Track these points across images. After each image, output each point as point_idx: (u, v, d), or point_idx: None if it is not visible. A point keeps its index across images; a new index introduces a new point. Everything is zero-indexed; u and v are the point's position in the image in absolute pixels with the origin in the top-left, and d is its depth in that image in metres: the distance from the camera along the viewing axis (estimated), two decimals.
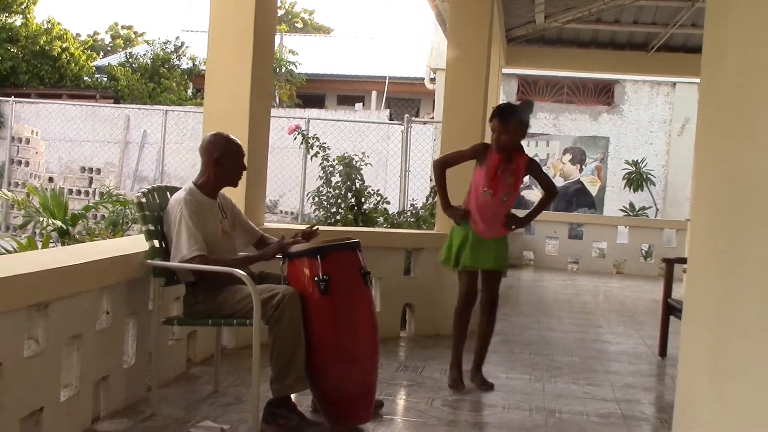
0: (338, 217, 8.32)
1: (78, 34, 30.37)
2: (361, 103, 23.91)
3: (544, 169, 5.11)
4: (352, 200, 8.38)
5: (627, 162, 16.61)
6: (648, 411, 4.76)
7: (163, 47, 23.89)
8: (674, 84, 17.25)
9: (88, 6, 71.66)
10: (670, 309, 6.13)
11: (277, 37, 20.06)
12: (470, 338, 5.11)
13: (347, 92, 25.42)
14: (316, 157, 8.72)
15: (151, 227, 3.98)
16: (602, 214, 16.94)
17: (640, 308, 8.96)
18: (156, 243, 3.99)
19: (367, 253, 4.11)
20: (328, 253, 3.87)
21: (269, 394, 3.79)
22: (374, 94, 24.13)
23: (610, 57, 13.11)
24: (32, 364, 3.17)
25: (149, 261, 3.96)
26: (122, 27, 42.39)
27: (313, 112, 18.62)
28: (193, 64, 23.63)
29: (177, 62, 23.87)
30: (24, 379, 3.11)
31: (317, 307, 3.79)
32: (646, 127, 17.58)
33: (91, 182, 14.88)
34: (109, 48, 38.90)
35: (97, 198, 12.95)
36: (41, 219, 7.91)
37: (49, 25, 23.96)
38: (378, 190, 8.82)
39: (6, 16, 24.25)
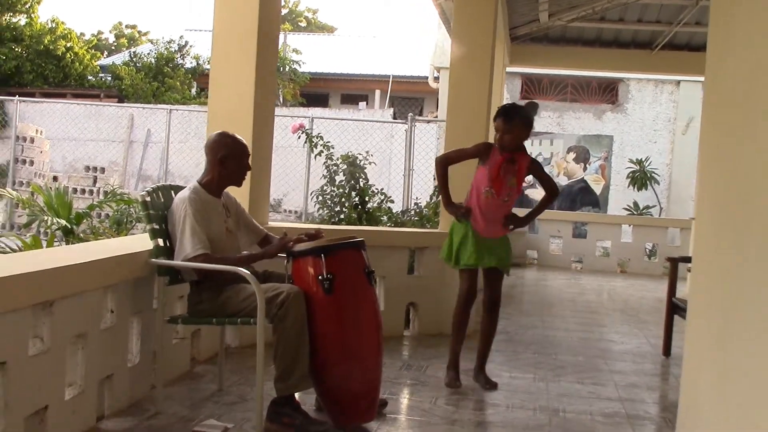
0: (342, 216, 8.33)
1: (82, 34, 30.42)
2: (364, 102, 23.92)
3: (547, 168, 5.12)
4: (356, 199, 8.39)
5: (631, 161, 16.59)
6: (652, 410, 4.76)
7: (167, 46, 23.94)
8: (678, 82, 17.22)
9: (92, 5, 71.78)
10: (675, 308, 6.12)
11: (281, 36, 20.07)
12: (473, 338, 5.12)
13: (351, 91, 25.43)
14: (320, 156, 8.72)
15: (156, 226, 3.98)
16: (606, 213, 16.92)
17: (644, 307, 8.95)
18: (160, 242, 4.00)
19: (371, 252, 4.11)
20: (333, 252, 3.87)
21: (273, 393, 3.79)
22: (378, 92, 24.14)
23: (614, 55, 13.09)
24: (37, 363, 3.18)
25: (154, 260, 3.97)
26: (126, 26, 42.45)
27: (316, 111, 18.63)
28: (197, 63, 23.67)
29: (181, 61, 23.92)
30: (29, 377, 3.12)
31: (321, 305, 3.79)
32: (650, 125, 17.56)
33: (95, 181, 14.90)
34: (113, 47, 38.95)
35: (101, 197, 12.98)
36: (46, 218, 7.92)
37: (54, 25, 24.00)
38: (382, 189, 8.83)
39: (10, 16, 24.29)
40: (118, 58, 26.30)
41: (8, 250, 6.29)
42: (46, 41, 23.20)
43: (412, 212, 9.24)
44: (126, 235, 7.69)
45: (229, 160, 4.11)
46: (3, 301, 2.91)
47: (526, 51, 12.95)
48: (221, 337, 4.57)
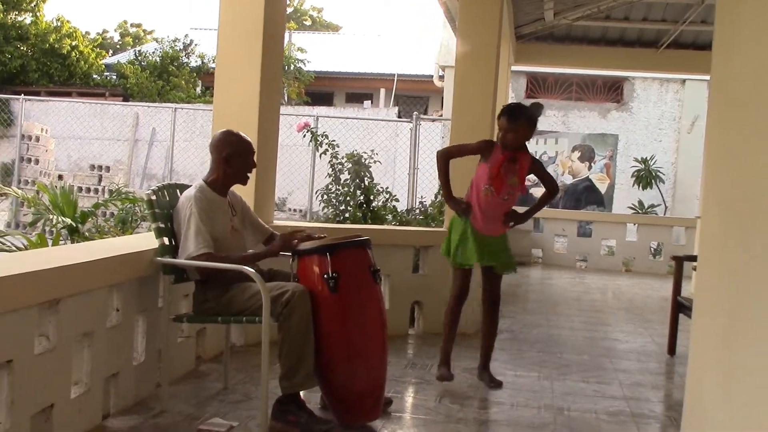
0: (347, 215, 8.33)
1: (87, 32, 30.43)
2: (369, 101, 23.94)
3: (552, 167, 5.13)
4: (361, 198, 8.39)
5: (636, 159, 16.56)
6: (657, 409, 4.75)
7: (172, 45, 23.95)
8: (684, 81, 17.19)
9: (98, 4, 71.85)
10: (680, 307, 6.11)
11: (286, 35, 20.08)
12: (476, 337, 5.12)
13: (356, 90, 25.43)
14: (325, 154, 8.73)
15: (161, 225, 3.99)
16: (611, 211, 16.90)
17: (649, 306, 8.94)
18: (166, 240, 4.00)
19: (376, 251, 4.11)
20: (338, 251, 3.88)
21: (278, 392, 3.80)
22: (383, 91, 24.14)
23: (620, 54, 13.07)
24: (43, 361, 3.19)
25: (159, 258, 3.98)
26: (131, 25, 42.47)
27: (321, 110, 18.64)
28: (202, 62, 23.68)
29: (186, 60, 23.93)
30: (35, 375, 3.13)
31: (327, 304, 3.79)
32: (655, 124, 17.53)
33: (100, 180, 14.94)
34: (118, 46, 39.01)
35: (106, 195, 12.99)
36: (51, 217, 7.93)
37: (59, 24, 24.03)
38: (387, 188, 8.83)
39: (16, 14, 24.34)
40: (123, 57, 26.33)
41: (14, 248, 6.30)
42: (51, 40, 23.23)
43: (417, 211, 9.25)
44: (131, 233, 7.70)
45: (234, 158, 4.11)
46: (9, 300, 2.92)
47: (531, 50, 12.94)
48: (226, 336, 4.57)
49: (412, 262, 6.43)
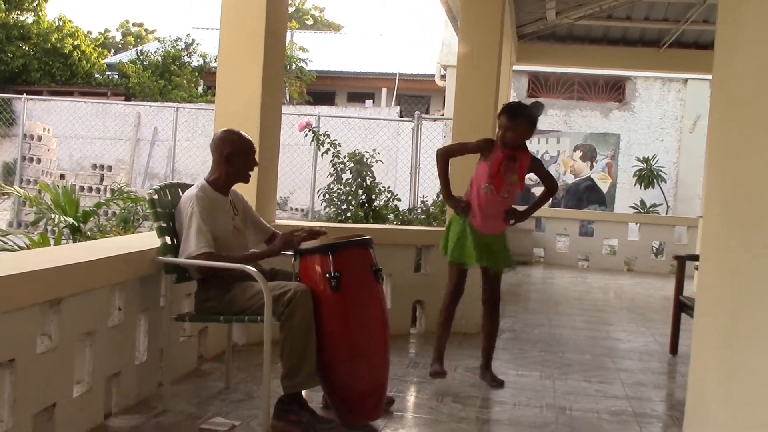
0: (349, 214, 8.33)
1: (89, 32, 30.48)
2: (371, 100, 23.94)
3: (554, 166, 5.14)
4: (363, 197, 8.39)
5: (638, 159, 16.56)
6: (659, 409, 4.75)
7: (174, 44, 23.98)
8: (686, 80, 17.18)
9: (99, 3, 71.87)
10: (682, 306, 6.11)
11: (288, 35, 20.09)
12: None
13: (357, 89, 25.43)
14: (327, 154, 8.73)
15: (163, 224, 3.99)
16: (613, 211, 16.89)
17: (651, 305, 8.94)
18: (168, 240, 4.00)
19: (378, 250, 4.11)
20: (340, 250, 3.88)
21: (280, 391, 3.80)
22: (384, 91, 24.14)
23: (622, 53, 13.07)
24: (45, 360, 3.20)
25: (161, 258, 3.98)
26: (133, 24, 42.50)
27: (323, 109, 18.64)
28: (204, 62, 23.70)
29: (188, 59, 23.95)
30: (37, 375, 3.13)
31: (328, 303, 3.79)
32: (657, 123, 17.52)
33: (102, 179, 14.94)
34: (120, 45, 39.03)
35: (108, 195, 12.99)
36: (53, 216, 7.93)
37: (61, 23, 24.07)
38: (388, 187, 8.83)
39: (18, 14, 24.36)
40: (125, 56, 26.35)
41: (16, 248, 6.30)
42: (53, 39, 23.26)
43: (419, 210, 9.25)
44: (133, 233, 7.71)
45: (234, 157, 4.11)
46: (11, 299, 2.93)
47: (533, 49, 12.94)
48: (228, 335, 4.57)
49: (413, 262, 6.43)
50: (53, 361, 3.25)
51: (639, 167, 16.37)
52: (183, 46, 24.05)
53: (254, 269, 3.77)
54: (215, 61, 19.54)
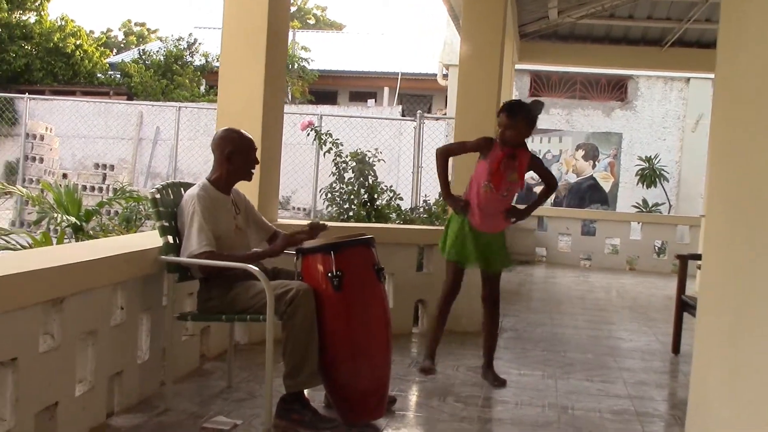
0: (351, 213, 8.33)
1: (91, 31, 30.51)
2: (373, 100, 23.94)
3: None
4: (365, 196, 8.39)
5: (640, 158, 16.54)
6: (661, 408, 4.75)
7: (176, 44, 23.99)
8: (688, 79, 17.16)
9: (102, 3, 71.93)
10: (684, 305, 6.10)
11: (290, 34, 20.11)
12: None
13: (359, 88, 25.43)
14: (329, 153, 8.73)
15: (166, 223, 3.99)
16: (615, 210, 16.87)
17: (653, 305, 8.93)
18: (170, 239, 4.00)
19: (380, 249, 4.11)
20: (342, 249, 3.87)
21: (282, 390, 3.80)
22: (386, 90, 24.14)
23: (624, 52, 13.06)
24: (47, 359, 3.20)
25: (163, 257, 3.98)
26: (135, 24, 42.56)
27: (325, 109, 18.64)
28: (206, 61, 23.72)
29: (190, 59, 23.97)
30: (39, 374, 3.14)
31: (331, 302, 3.79)
32: (659, 123, 17.50)
33: (104, 178, 14.93)
34: (122, 45, 39.07)
35: (110, 194, 13.00)
36: (55, 215, 7.94)
37: (63, 23, 24.10)
38: (391, 186, 8.82)
39: (20, 14, 24.39)
40: (128, 56, 26.37)
41: (18, 247, 6.31)
42: (55, 39, 23.29)
43: (421, 209, 9.24)
44: (135, 232, 7.71)
45: (235, 155, 4.11)
46: (13, 298, 2.93)
47: (535, 48, 12.93)
48: (230, 334, 4.58)
49: (416, 261, 6.43)
50: (55, 360, 3.26)
51: (641, 166, 16.35)
52: (185, 46, 24.07)
53: (257, 268, 3.77)
54: (217, 61, 19.51)
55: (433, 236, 6.50)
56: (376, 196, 8.42)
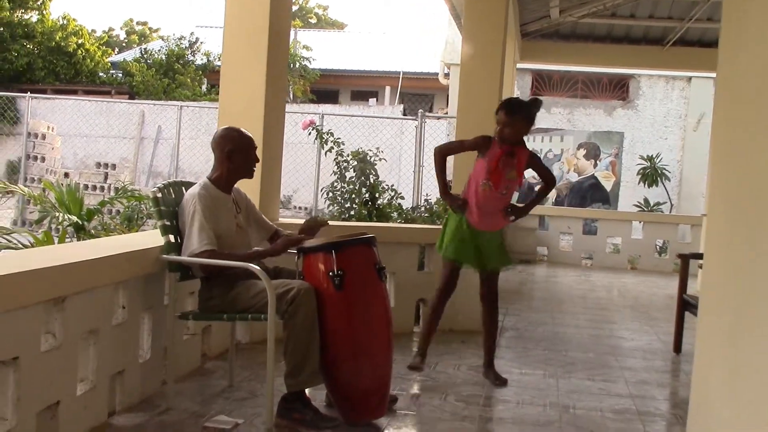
0: (352, 213, 8.33)
1: (93, 30, 30.51)
2: (374, 99, 23.94)
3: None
4: (366, 195, 8.38)
5: (641, 157, 16.53)
6: (663, 407, 4.75)
7: (178, 43, 24.00)
8: (690, 79, 17.15)
9: (103, 2, 71.93)
10: (685, 305, 6.10)
11: (291, 33, 20.10)
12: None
13: (361, 87, 25.43)
14: (330, 152, 8.72)
15: (167, 222, 3.99)
16: (616, 209, 16.87)
17: (654, 304, 8.93)
18: (171, 238, 4.00)
19: (381, 248, 4.11)
20: (344, 248, 3.88)
21: (284, 389, 3.80)
22: (388, 89, 24.13)
23: (626, 51, 13.05)
24: (49, 359, 3.20)
25: (165, 256, 3.98)
26: (137, 23, 42.57)
27: (327, 108, 18.64)
28: (208, 60, 23.72)
29: (192, 58, 23.98)
30: (41, 373, 3.14)
31: (332, 302, 3.79)
32: (661, 122, 17.49)
33: (106, 178, 14.94)
34: (124, 44, 39.09)
35: (112, 193, 13.00)
36: (57, 214, 7.94)
37: (65, 22, 24.11)
38: (392, 186, 8.82)
39: (22, 12, 24.41)
40: (129, 55, 26.38)
41: (20, 246, 6.32)
42: (57, 38, 23.30)
43: (422, 208, 9.23)
44: (137, 231, 7.72)
45: (235, 154, 4.11)
46: (15, 297, 2.93)
47: (536, 47, 12.93)
48: (232, 333, 4.58)
49: (417, 260, 6.42)
50: (57, 359, 3.26)
51: (643, 165, 16.34)
52: (187, 45, 24.08)
53: (258, 267, 3.78)
54: (219, 60, 19.57)
55: (435, 235, 6.47)
56: (377, 195, 8.42)
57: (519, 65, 13.66)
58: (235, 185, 4.24)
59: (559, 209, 14.52)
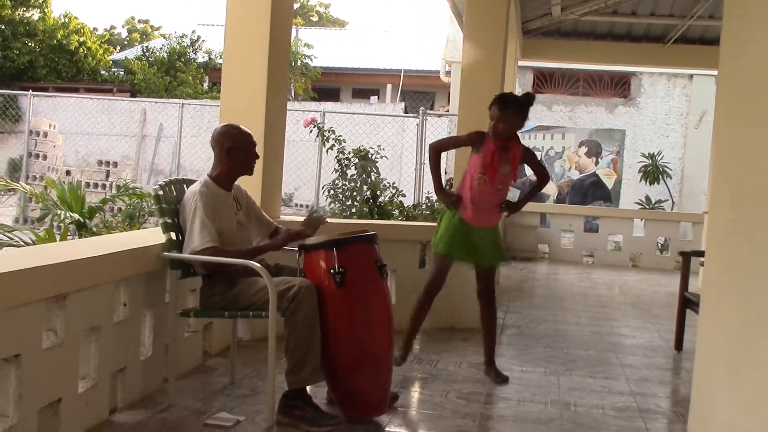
0: (354, 210, 8.34)
1: (95, 29, 30.54)
2: (376, 96, 23.95)
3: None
4: (368, 193, 8.39)
5: (643, 155, 16.51)
6: (664, 404, 4.75)
7: (180, 41, 24.01)
8: (691, 76, 17.13)
9: (105, 0, 71.94)
10: (687, 302, 6.10)
11: (293, 31, 20.09)
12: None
13: (362, 85, 25.44)
14: (332, 150, 8.73)
15: (168, 220, 4.00)
16: (618, 207, 16.83)
17: (656, 302, 8.92)
18: (173, 235, 4.01)
19: (383, 246, 4.12)
20: (345, 246, 3.88)
21: (285, 386, 3.80)
22: (389, 87, 24.14)
23: (627, 49, 13.04)
24: (51, 356, 3.20)
25: (166, 253, 3.98)
26: (139, 21, 42.57)
27: (328, 105, 18.65)
28: (209, 58, 23.74)
29: (193, 56, 23.99)
30: (42, 370, 3.14)
31: (333, 299, 3.79)
32: (662, 119, 17.48)
33: (107, 175, 14.95)
34: (125, 42, 39.10)
35: (113, 191, 13.01)
36: (59, 212, 7.96)
37: (66, 20, 24.12)
38: (393, 183, 8.83)
39: (24, 11, 24.41)
40: (131, 53, 26.41)
41: (22, 243, 6.33)
42: (59, 36, 23.31)
43: (424, 206, 9.24)
44: (138, 228, 7.72)
45: (235, 151, 4.11)
46: (17, 295, 2.94)
47: (538, 45, 12.92)
48: (233, 331, 4.58)
49: (418, 257, 6.42)
50: (59, 356, 3.26)
51: (644, 163, 16.32)
52: (188, 43, 24.08)
53: (259, 265, 3.78)
54: (220, 58, 19.57)
55: None
56: (378, 192, 8.43)
57: (520, 63, 13.65)
58: (236, 182, 4.25)
59: (561, 207, 14.51)
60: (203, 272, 4.03)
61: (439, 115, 17.38)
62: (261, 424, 3.81)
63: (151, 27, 41.86)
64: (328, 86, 24.98)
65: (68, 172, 15.03)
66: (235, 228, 4.12)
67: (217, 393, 4.29)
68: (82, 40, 23.97)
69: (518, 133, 4.79)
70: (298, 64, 22.53)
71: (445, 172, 13.25)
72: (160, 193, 3.99)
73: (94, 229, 7.88)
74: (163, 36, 28.39)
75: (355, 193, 8.42)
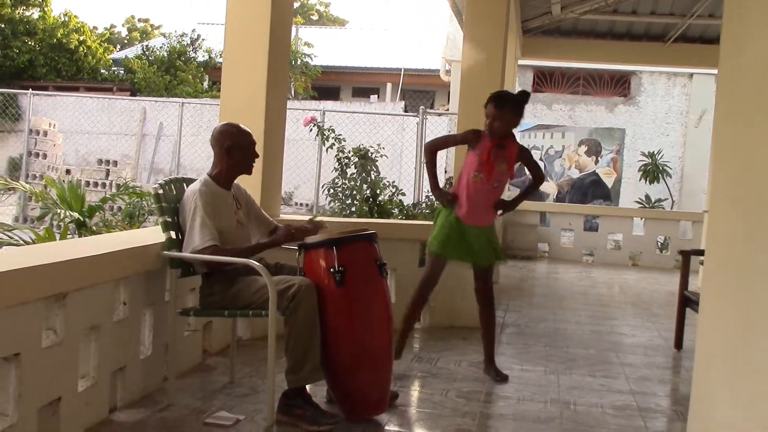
0: (353, 209, 8.34)
1: (95, 27, 30.54)
2: (376, 95, 23.95)
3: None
4: (368, 192, 8.39)
5: (643, 154, 16.51)
6: (663, 403, 4.75)
7: (180, 40, 24.01)
8: (691, 75, 17.13)
9: None
10: (687, 301, 6.10)
11: (293, 30, 20.08)
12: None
13: (362, 84, 25.44)
14: (332, 149, 8.73)
15: (168, 219, 4.00)
16: (618, 205, 16.85)
17: (655, 300, 8.93)
18: (173, 234, 4.01)
19: (383, 245, 4.12)
20: (345, 245, 3.88)
21: (284, 385, 3.80)
22: (389, 86, 24.14)
23: (627, 48, 13.04)
24: (50, 355, 3.20)
25: (166, 252, 3.99)
26: (139, 20, 42.57)
27: (328, 104, 18.66)
28: (210, 57, 23.74)
29: (193, 55, 24.00)
30: (42, 369, 3.14)
31: (333, 298, 3.80)
32: (662, 118, 17.48)
33: (107, 174, 14.95)
34: (125, 41, 39.10)
35: (113, 190, 13.02)
36: (59, 211, 7.95)
37: (66, 18, 24.11)
38: (393, 182, 8.83)
39: (23, 9, 24.41)
40: (131, 52, 26.41)
41: (22, 242, 6.33)
42: (59, 35, 23.31)
43: (423, 205, 9.25)
44: (138, 227, 7.72)
45: (234, 149, 4.11)
46: (16, 293, 2.94)
47: (538, 44, 12.92)
48: (233, 330, 4.59)
49: (418, 256, 6.42)
50: (58, 355, 3.26)
51: (644, 162, 16.32)
52: (188, 42, 24.09)
53: (259, 264, 3.78)
54: (220, 57, 19.57)
55: None
56: (378, 191, 8.43)
57: (520, 62, 13.65)
58: (236, 181, 4.25)
59: (561, 205, 14.52)
60: (203, 271, 4.03)
61: (439, 114, 17.38)
62: (261, 423, 3.81)
63: (151, 26, 41.87)
64: (328, 85, 24.98)
65: (68, 171, 15.03)
66: (235, 227, 4.12)
67: (216, 392, 4.29)
68: (82, 39, 23.97)
69: (517, 131, 4.80)
70: (298, 62, 22.54)
71: (445, 171, 13.30)
72: (160, 192, 3.99)
73: (94, 228, 7.88)
74: (163, 35, 28.38)
75: (354, 192, 8.42)
